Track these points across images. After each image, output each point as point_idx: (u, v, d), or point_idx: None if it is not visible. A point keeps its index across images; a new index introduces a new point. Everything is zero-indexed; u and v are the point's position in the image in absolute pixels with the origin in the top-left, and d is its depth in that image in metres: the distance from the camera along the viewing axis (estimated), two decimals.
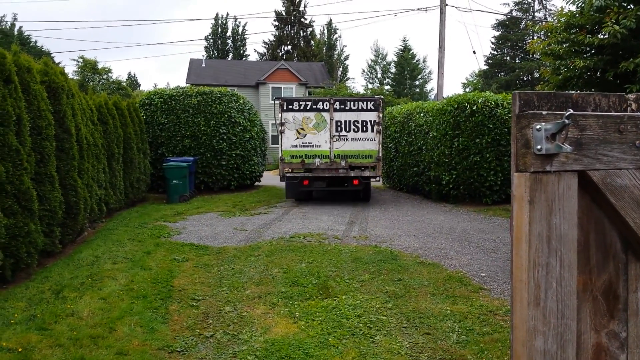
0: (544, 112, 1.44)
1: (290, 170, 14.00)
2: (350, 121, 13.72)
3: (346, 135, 13.75)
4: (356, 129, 13.75)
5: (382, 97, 14.34)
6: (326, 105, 13.78)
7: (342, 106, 13.77)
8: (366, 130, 13.72)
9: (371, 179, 14.31)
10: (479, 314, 5.36)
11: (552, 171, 1.45)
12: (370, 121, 13.69)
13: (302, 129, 13.79)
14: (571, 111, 1.39)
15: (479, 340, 4.70)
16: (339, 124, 13.73)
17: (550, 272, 1.46)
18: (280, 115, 13.75)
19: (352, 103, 13.84)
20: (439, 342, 4.67)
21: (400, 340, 4.72)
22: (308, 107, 13.82)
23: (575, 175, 1.47)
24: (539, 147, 1.43)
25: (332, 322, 5.13)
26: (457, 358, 4.36)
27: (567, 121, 1.39)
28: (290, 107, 13.82)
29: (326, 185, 14.17)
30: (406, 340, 4.73)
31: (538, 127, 1.42)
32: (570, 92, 1.51)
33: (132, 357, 4.33)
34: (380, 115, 13.74)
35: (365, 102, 13.86)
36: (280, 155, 13.85)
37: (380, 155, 13.88)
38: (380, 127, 13.76)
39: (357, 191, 14.47)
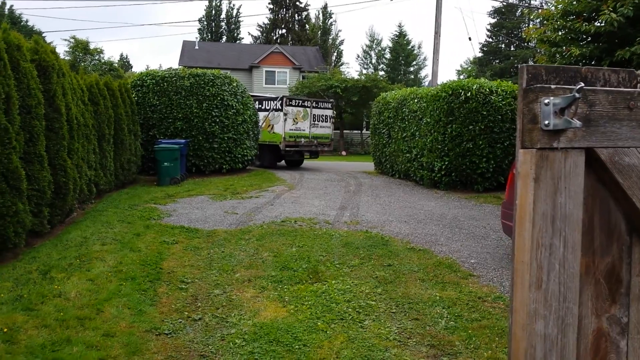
0: (552, 86, 1.36)
1: (287, 144, 20.03)
2: (319, 115, 20.82)
3: (317, 124, 20.74)
4: (321, 120, 20.93)
5: (333, 100, 23.54)
6: (309, 104, 20.61)
7: (316, 105, 20.85)
8: (326, 122, 21.21)
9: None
10: (468, 301, 5.34)
11: (559, 148, 1.38)
12: (328, 115, 21.34)
13: (296, 118, 20.04)
14: (582, 84, 1.32)
15: (467, 326, 4.68)
16: (315, 116, 20.64)
17: (553, 253, 1.40)
18: (285, 108, 19.68)
19: (320, 103, 21.31)
20: (427, 328, 4.65)
21: (389, 325, 4.70)
22: (300, 104, 20.40)
23: (582, 153, 1.40)
24: (546, 122, 1.36)
25: (322, 306, 5.09)
26: (445, 344, 4.34)
27: (577, 95, 1.32)
28: (290, 103, 20.04)
29: (298, 156, 21.43)
30: (395, 325, 4.70)
31: (546, 101, 1.35)
32: (579, 66, 1.44)
33: (119, 338, 4.27)
34: (334, 112, 22.39)
35: (326, 103, 21.74)
36: (282, 135, 19.55)
37: (332, 137, 22.18)
38: (333, 120, 21.93)
39: (301, 160, 22.16)
